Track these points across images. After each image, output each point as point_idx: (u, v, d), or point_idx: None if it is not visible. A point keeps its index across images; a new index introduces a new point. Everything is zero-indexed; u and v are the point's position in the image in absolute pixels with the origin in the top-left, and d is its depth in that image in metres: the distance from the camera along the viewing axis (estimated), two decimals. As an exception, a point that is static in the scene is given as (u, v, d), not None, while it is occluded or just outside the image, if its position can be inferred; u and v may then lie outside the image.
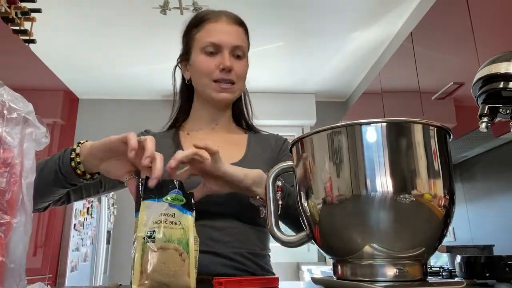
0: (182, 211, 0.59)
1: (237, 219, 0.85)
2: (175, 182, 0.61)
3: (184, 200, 0.60)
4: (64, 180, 0.74)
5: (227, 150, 0.88)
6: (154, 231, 0.56)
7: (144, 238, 0.56)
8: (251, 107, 1.05)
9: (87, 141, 0.73)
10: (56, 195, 0.80)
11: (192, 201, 0.62)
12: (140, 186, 0.59)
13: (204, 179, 0.73)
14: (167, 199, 0.59)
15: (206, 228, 0.83)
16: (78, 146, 0.72)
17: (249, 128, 1.04)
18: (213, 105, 0.95)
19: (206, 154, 0.68)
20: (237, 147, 0.95)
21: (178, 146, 0.92)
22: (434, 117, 1.85)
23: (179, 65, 0.99)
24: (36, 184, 0.71)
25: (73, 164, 0.71)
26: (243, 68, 0.92)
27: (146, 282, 0.54)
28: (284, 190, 0.76)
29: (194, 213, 0.61)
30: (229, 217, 0.84)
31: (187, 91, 1.00)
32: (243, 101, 1.04)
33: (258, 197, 0.74)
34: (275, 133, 1.06)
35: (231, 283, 0.60)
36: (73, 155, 0.72)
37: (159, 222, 0.57)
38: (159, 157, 0.62)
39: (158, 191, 0.59)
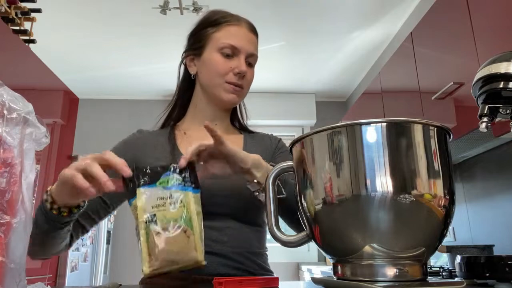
0: (181, 189, 0.61)
1: (236, 219, 0.85)
2: (169, 165, 0.63)
3: (180, 179, 0.62)
4: (59, 223, 0.72)
5: None
6: (154, 214, 0.58)
7: (146, 222, 0.58)
8: (245, 109, 1.06)
9: (52, 185, 0.72)
10: (66, 234, 0.79)
11: (189, 176, 0.63)
12: (133, 175, 0.61)
13: (205, 163, 0.73)
14: (160, 183, 0.61)
15: (205, 228, 0.83)
16: (47, 195, 0.71)
17: (243, 128, 1.05)
18: (218, 104, 0.95)
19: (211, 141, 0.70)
20: (236, 147, 0.96)
21: (174, 147, 0.92)
22: (434, 117, 1.85)
23: (185, 60, 0.98)
24: (41, 237, 0.74)
25: (54, 212, 0.70)
26: (252, 76, 0.94)
27: (156, 263, 0.56)
28: (282, 180, 0.76)
29: (199, 190, 0.63)
30: (228, 218, 0.85)
31: (188, 87, 0.99)
32: (241, 103, 1.05)
33: (255, 181, 0.74)
34: (269, 133, 1.06)
35: (231, 283, 0.60)
36: (49, 205, 0.71)
37: (157, 206, 0.59)
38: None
39: (150, 178, 0.61)
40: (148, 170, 0.61)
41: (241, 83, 0.90)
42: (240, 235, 0.85)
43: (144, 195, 0.60)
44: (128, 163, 0.83)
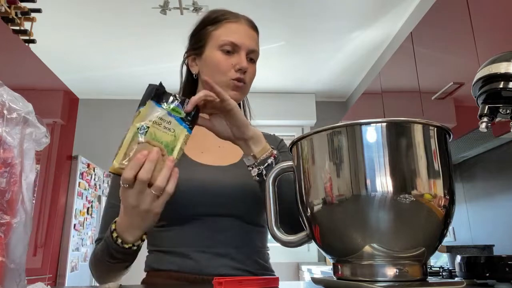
0: (179, 122, 0.66)
1: (239, 219, 0.85)
2: (179, 98, 0.67)
3: (184, 114, 0.66)
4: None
5: (227, 149, 0.89)
6: (148, 127, 0.63)
7: (138, 128, 0.62)
8: (249, 108, 1.06)
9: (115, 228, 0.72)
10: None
11: (191, 117, 0.67)
12: (152, 89, 0.66)
13: (211, 116, 0.74)
14: (168, 108, 0.66)
15: (208, 229, 0.83)
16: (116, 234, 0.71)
17: None
18: None
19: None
20: (237, 147, 0.95)
21: None
22: (434, 117, 1.85)
23: (186, 60, 0.98)
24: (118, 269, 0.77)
25: (126, 246, 0.70)
26: (254, 72, 0.93)
27: (126, 163, 0.61)
28: (277, 156, 0.77)
29: (191, 131, 0.67)
30: (231, 218, 0.85)
31: (191, 87, 0.99)
32: (245, 102, 1.05)
33: (252, 154, 0.74)
34: (272, 134, 1.06)
35: (230, 283, 0.60)
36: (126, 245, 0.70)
37: (154, 122, 0.64)
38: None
39: (163, 99, 0.66)
40: (170, 95, 0.67)
41: (244, 79, 0.90)
42: (243, 235, 0.85)
43: (151, 109, 0.64)
44: None
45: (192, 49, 0.96)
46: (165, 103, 0.66)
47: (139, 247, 0.71)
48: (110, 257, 0.72)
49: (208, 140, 0.89)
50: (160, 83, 0.67)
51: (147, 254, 0.90)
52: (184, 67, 1.00)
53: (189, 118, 0.67)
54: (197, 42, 0.94)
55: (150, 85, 0.67)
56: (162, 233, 0.85)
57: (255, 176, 0.75)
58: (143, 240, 0.71)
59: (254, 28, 0.95)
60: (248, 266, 0.84)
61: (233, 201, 0.83)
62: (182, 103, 0.67)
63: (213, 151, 0.92)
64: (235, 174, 0.86)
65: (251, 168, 0.75)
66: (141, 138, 0.62)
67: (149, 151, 0.61)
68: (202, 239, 0.83)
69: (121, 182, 0.62)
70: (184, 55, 0.99)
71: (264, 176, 0.73)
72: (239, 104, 1.03)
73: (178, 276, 0.81)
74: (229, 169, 0.89)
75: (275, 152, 0.76)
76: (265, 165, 0.73)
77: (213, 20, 0.93)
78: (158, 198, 0.63)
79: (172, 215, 0.82)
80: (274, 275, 0.88)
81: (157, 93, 0.66)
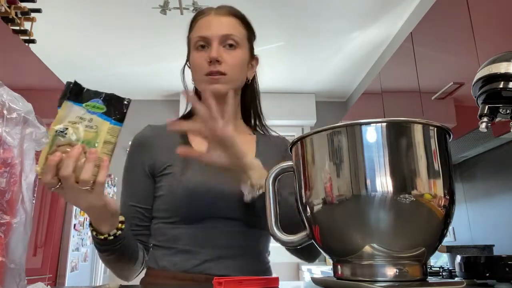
0: (102, 118, 0.64)
1: (246, 223, 0.84)
2: (102, 93, 0.67)
3: (105, 108, 0.65)
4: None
5: None
6: (67, 128, 0.62)
7: (56, 131, 0.61)
8: (260, 107, 1.04)
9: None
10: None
11: (116, 109, 0.66)
12: (67, 87, 0.65)
13: (208, 147, 0.74)
14: (87, 106, 0.64)
15: (215, 230, 0.83)
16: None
17: (258, 127, 1.04)
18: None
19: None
20: (246, 148, 0.95)
21: (186, 140, 0.91)
22: (434, 117, 1.85)
23: (188, 66, 0.98)
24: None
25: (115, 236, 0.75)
26: (235, 58, 0.88)
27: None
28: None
29: (121, 123, 0.66)
30: (238, 222, 0.84)
31: (194, 90, 0.99)
32: (256, 102, 1.02)
33: (249, 182, 0.74)
34: (282, 136, 1.06)
35: (230, 283, 0.60)
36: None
37: (74, 122, 0.62)
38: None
39: (82, 97, 0.65)
40: (84, 90, 0.65)
41: (219, 69, 0.85)
42: (247, 239, 0.85)
43: (68, 109, 0.63)
44: (146, 162, 0.88)
45: (187, 59, 0.97)
46: (83, 101, 0.64)
47: (117, 237, 0.74)
48: (99, 250, 0.77)
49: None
50: (75, 81, 0.65)
51: (150, 252, 0.89)
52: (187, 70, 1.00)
53: (113, 110, 0.66)
54: (187, 52, 0.96)
55: (66, 82, 0.65)
56: (169, 230, 0.85)
57: (247, 199, 0.76)
58: (118, 229, 0.74)
59: (229, 14, 0.91)
60: (250, 269, 0.84)
61: (242, 205, 0.82)
62: (104, 99, 0.66)
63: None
64: None
65: (246, 193, 0.76)
66: (62, 140, 0.61)
67: (64, 151, 0.61)
68: (208, 239, 0.83)
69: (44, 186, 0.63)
70: (185, 62, 1.00)
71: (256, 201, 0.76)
72: (249, 110, 1.02)
73: (177, 276, 0.81)
74: None
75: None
76: (261, 191, 0.74)
77: (190, 24, 0.94)
78: (92, 190, 0.63)
79: (184, 213, 0.82)
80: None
81: (72, 92, 0.64)
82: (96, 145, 0.63)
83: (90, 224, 0.74)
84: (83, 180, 0.61)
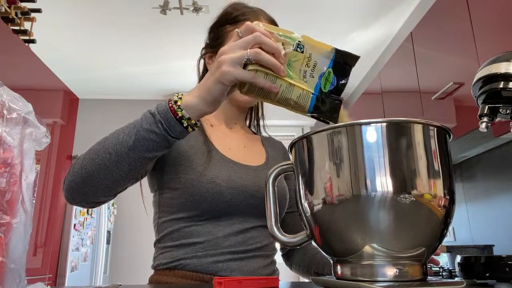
0: (316, 77, 0.63)
1: (264, 221, 0.84)
2: (340, 84, 0.64)
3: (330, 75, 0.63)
4: (175, 139, 0.65)
5: (249, 149, 0.92)
6: (304, 46, 0.63)
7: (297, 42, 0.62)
8: (262, 110, 1.07)
9: (178, 95, 0.65)
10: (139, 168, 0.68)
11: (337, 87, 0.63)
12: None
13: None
14: (329, 73, 0.63)
15: (236, 227, 0.83)
16: (177, 105, 0.64)
17: (259, 129, 1.06)
18: (235, 104, 0.95)
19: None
20: (258, 148, 0.98)
21: (206, 138, 0.90)
22: (434, 117, 1.85)
23: (204, 56, 0.96)
24: (130, 162, 0.64)
25: (185, 123, 0.64)
26: None
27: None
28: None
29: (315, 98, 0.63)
30: (258, 219, 0.85)
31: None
32: (260, 104, 1.05)
33: None
34: (279, 139, 1.09)
35: (230, 283, 0.60)
36: (180, 114, 0.63)
37: (309, 58, 0.63)
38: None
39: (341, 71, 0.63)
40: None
41: None
42: (265, 236, 0.86)
43: (322, 57, 0.63)
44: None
45: (210, 47, 0.94)
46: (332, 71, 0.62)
47: (188, 128, 0.64)
48: (146, 129, 0.63)
49: (232, 138, 0.92)
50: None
51: (159, 250, 0.87)
52: (202, 62, 0.98)
53: (334, 84, 0.63)
54: (215, 40, 0.92)
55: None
56: (183, 226, 0.83)
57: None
58: (194, 126, 0.65)
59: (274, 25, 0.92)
60: (264, 270, 0.84)
61: (263, 202, 0.82)
62: (336, 87, 0.63)
63: (239, 150, 0.92)
64: (265, 175, 0.86)
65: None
66: (294, 49, 0.61)
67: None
68: (223, 237, 0.82)
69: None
70: (202, 50, 0.97)
71: None
72: (251, 112, 1.04)
73: (183, 274, 0.80)
74: (260, 169, 0.90)
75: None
76: None
77: (233, 19, 0.91)
78: (244, 67, 0.59)
79: (206, 208, 0.81)
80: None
81: (340, 59, 0.63)
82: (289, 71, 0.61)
83: (180, 99, 0.63)
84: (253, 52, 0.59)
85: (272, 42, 0.60)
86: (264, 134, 1.07)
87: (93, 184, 0.67)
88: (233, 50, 0.60)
